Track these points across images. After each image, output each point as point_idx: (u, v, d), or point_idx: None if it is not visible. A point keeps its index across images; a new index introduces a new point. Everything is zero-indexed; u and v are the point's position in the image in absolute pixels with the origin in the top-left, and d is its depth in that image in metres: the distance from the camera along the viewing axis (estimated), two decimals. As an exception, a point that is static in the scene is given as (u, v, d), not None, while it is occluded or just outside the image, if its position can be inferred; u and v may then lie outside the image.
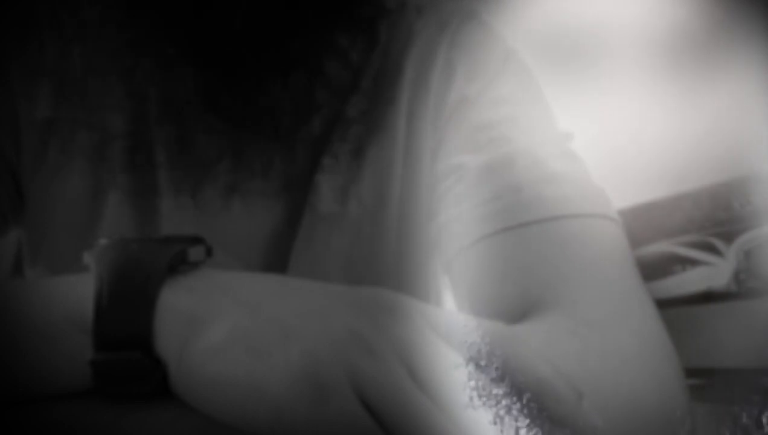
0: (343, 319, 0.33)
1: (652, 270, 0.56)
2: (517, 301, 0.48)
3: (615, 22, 0.68)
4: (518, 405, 0.32)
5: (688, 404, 0.44)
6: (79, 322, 0.34)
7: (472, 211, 0.52)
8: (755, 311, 0.53)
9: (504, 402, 0.31)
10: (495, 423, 0.31)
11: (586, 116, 0.65)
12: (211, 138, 0.53)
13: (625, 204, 0.58)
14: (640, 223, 0.59)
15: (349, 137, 0.56)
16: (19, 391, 0.35)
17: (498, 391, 0.32)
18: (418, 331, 0.33)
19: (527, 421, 0.31)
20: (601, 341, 0.43)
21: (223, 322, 0.33)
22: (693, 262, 0.57)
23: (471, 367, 0.32)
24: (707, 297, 0.56)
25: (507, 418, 0.31)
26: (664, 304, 0.49)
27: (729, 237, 0.55)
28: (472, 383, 0.32)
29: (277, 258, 0.56)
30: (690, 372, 0.46)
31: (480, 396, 0.31)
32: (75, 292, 0.35)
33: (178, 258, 0.36)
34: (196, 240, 0.37)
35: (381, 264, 0.57)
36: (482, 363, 0.33)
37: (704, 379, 0.53)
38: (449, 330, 0.34)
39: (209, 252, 0.38)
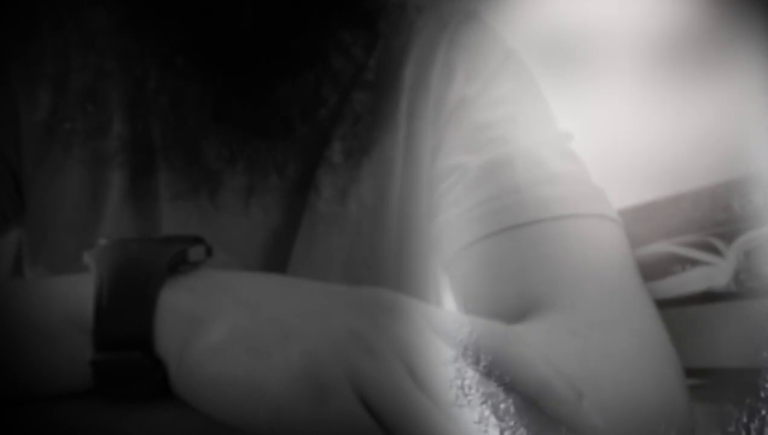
0: (343, 319, 0.33)
1: (652, 270, 0.56)
2: (516, 301, 0.48)
3: (613, 21, 0.68)
4: (504, 405, 0.31)
5: (689, 404, 0.44)
6: (79, 322, 0.34)
7: (472, 211, 0.52)
8: (755, 311, 0.53)
9: (490, 401, 0.31)
10: (479, 422, 0.31)
11: (585, 116, 0.65)
12: (217, 141, 0.53)
13: (625, 204, 0.58)
14: (640, 223, 0.59)
15: (349, 139, 0.56)
16: (19, 391, 0.35)
17: (485, 389, 0.32)
18: (418, 331, 0.33)
19: (513, 422, 0.31)
20: (602, 341, 0.43)
21: (223, 322, 0.33)
22: (693, 262, 0.57)
23: (460, 365, 0.32)
24: (707, 297, 0.56)
25: (492, 418, 0.31)
26: (664, 304, 0.49)
27: (729, 237, 0.55)
28: (458, 382, 0.32)
29: (277, 258, 0.56)
30: (690, 372, 0.46)
31: (466, 394, 0.31)
32: (75, 292, 0.35)
33: (178, 258, 0.36)
34: (196, 240, 0.37)
35: (381, 264, 0.57)
36: (470, 360, 0.33)
37: (704, 379, 0.53)
38: (449, 330, 0.34)
39: (209, 252, 0.38)
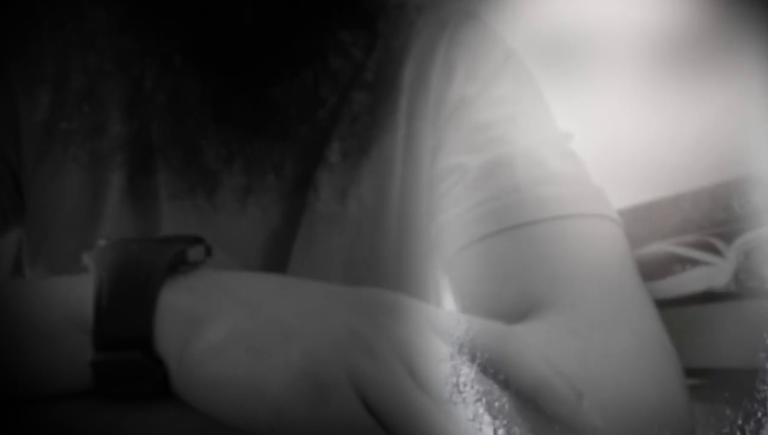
0: (343, 319, 0.33)
1: (652, 270, 0.56)
2: (516, 302, 0.48)
3: (613, 22, 0.68)
4: (498, 403, 0.31)
5: (688, 404, 0.44)
6: (79, 323, 0.34)
7: (472, 211, 0.52)
8: (755, 311, 0.53)
9: (485, 399, 0.31)
10: (473, 420, 0.31)
11: (585, 116, 0.65)
12: (216, 141, 0.53)
13: (625, 204, 0.58)
14: (640, 223, 0.59)
15: (348, 138, 0.56)
16: (19, 391, 0.35)
17: (480, 387, 0.32)
18: (418, 330, 0.33)
19: (507, 420, 0.31)
20: (601, 341, 0.43)
21: (223, 322, 0.33)
22: (693, 262, 0.57)
23: (456, 362, 0.32)
24: (707, 297, 0.56)
25: (486, 416, 0.31)
26: (664, 304, 0.49)
27: (729, 237, 0.55)
28: (454, 379, 0.32)
29: (277, 258, 0.56)
30: (690, 372, 0.46)
31: (461, 392, 0.31)
32: (75, 293, 0.35)
33: (177, 258, 0.36)
34: (196, 240, 0.37)
35: (381, 264, 0.57)
36: (467, 358, 0.33)
37: (704, 379, 0.53)
38: (448, 329, 0.34)
39: (209, 252, 0.38)
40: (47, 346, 0.35)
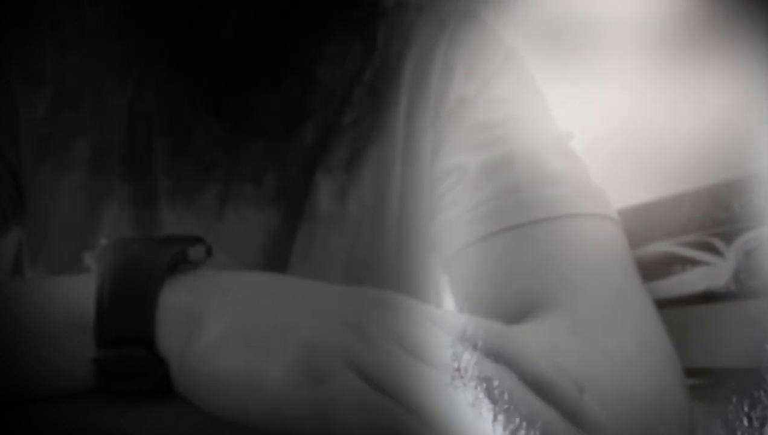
0: (339, 313, 0.33)
1: (652, 270, 0.56)
2: (516, 302, 0.48)
3: (615, 17, 0.68)
4: (498, 389, 0.31)
5: (688, 404, 0.44)
6: (80, 322, 0.34)
7: (472, 211, 0.52)
8: (755, 311, 0.53)
9: (485, 384, 0.31)
10: (473, 405, 0.31)
11: (585, 112, 0.65)
12: (204, 147, 0.53)
13: (625, 204, 0.58)
14: (640, 223, 0.59)
15: (348, 139, 0.56)
16: (19, 391, 0.35)
17: (480, 373, 0.32)
18: (416, 324, 0.33)
19: (507, 405, 0.31)
20: (601, 341, 0.43)
21: (222, 318, 0.33)
22: (693, 262, 0.57)
23: (456, 349, 0.32)
24: (707, 297, 0.56)
25: (486, 401, 0.31)
26: (664, 304, 0.49)
27: (729, 237, 0.55)
28: (454, 364, 0.32)
29: (277, 258, 0.56)
30: (690, 372, 0.46)
31: (461, 376, 0.31)
32: (75, 292, 0.35)
33: (178, 258, 0.36)
34: (196, 240, 0.38)
35: (381, 264, 0.57)
36: (467, 344, 0.33)
37: (704, 379, 0.53)
38: (448, 329, 0.34)
39: (209, 251, 0.38)
40: (47, 346, 0.35)
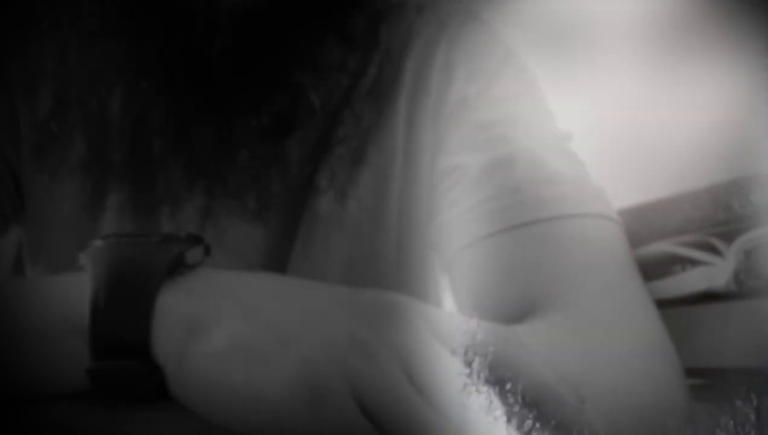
0: (342, 324, 0.33)
1: (652, 270, 0.56)
2: (517, 302, 0.48)
3: (613, 17, 0.68)
4: (512, 390, 0.31)
5: (688, 404, 0.44)
6: (78, 325, 0.34)
7: (472, 211, 0.52)
8: (755, 311, 0.53)
9: (497, 387, 0.31)
10: (488, 407, 0.31)
11: (584, 116, 0.65)
12: (177, 164, 0.53)
13: (625, 204, 0.58)
14: (640, 223, 0.59)
15: (348, 141, 0.56)
16: (19, 391, 0.35)
17: (492, 376, 0.32)
18: (419, 334, 0.33)
19: (518, 407, 0.31)
20: (602, 342, 0.43)
21: (222, 327, 0.33)
22: (693, 262, 0.57)
23: (468, 353, 0.32)
24: (707, 297, 0.56)
25: (499, 404, 0.31)
26: (664, 304, 0.49)
27: (729, 237, 0.55)
28: (467, 369, 0.32)
29: (277, 258, 0.56)
30: (690, 372, 0.46)
31: (474, 382, 0.31)
32: (75, 293, 0.35)
33: (176, 259, 0.35)
34: (195, 239, 0.37)
35: (381, 264, 0.57)
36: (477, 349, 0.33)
37: (704, 379, 0.53)
38: (450, 333, 0.34)
39: (207, 251, 0.38)
40: (47, 346, 0.35)
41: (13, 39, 0.56)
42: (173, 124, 0.52)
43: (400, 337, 0.33)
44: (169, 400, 0.34)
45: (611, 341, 0.43)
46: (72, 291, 0.35)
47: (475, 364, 0.32)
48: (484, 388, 0.31)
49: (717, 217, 0.56)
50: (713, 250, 0.56)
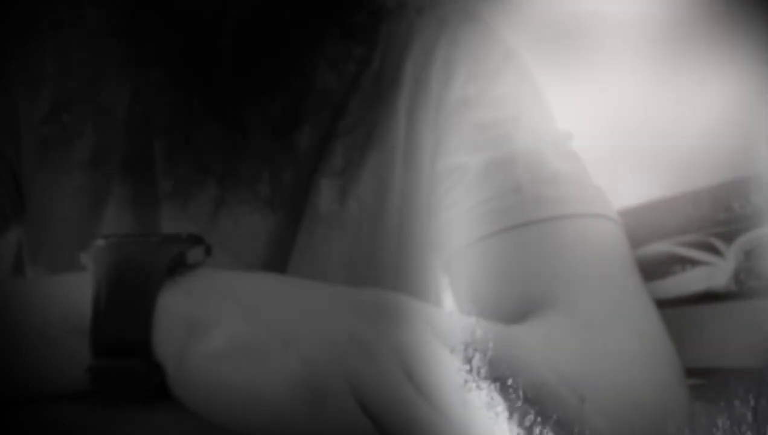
0: (342, 323, 0.33)
1: (652, 270, 0.56)
2: (517, 301, 0.48)
3: (614, 16, 0.68)
4: (513, 386, 0.32)
5: (688, 404, 0.44)
6: (79, 325, 0.34)
7: (472, 210, 0.52)
8: (755, 311, 0.53)
9: (498, 383, 0.31)
10: (489, 403, 0.31)
11: (584, 116, 0.65)
12: (202, 150, 0.53)
13: (625, 204, 0.58)
14: (640, 223, 0.59)
15: (348, 141, 0.56)
16: (19, 391, 0.35)
17: (493, 372, 0.32)
18: (419, 334, 0.33)
19: (520, 402, 0.31)
20: (602, 342, 0.43)
21: (222, 326, 0.33)
22: (693, 262, 0.57)
23: (468, 350, 0.32)
24: (707, 297, 0.56)
25: (500, 400, 0.31)
26: (664, 304, 0.49)
27: (729, 237, 0.55)
28: (467, 366, 0.32)
29: (277, 257, 0.56)
30: (690, 372, 0.46)
31: (474, 379, 0.31)
32: (75, 293, 0.35)
33: (177, 259, 0.35)
34: (196, 239, 0.37)
35: (381, 263, 0.57)
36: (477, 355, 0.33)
37: (704, 379, 0.53)
38: (450, 332, 0.34)
39: (208, 251, 0.38)
40: (47, 346, 0.35)
41: (13, 39, 0.56)
42: (182, 118, 0.52)
43: (400, 337, 0.33)
44: (169, 400, 0.34)
45: (611, 341, 0.43)
46: (72, 291, 0.35)
47: (475, 361, 0.32)
48: (485, 385, 0.31)
49: (717, 217, 0.56)
50: (713, 250, 0.56)
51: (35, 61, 0.56)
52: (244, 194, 0.54)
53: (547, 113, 0.57)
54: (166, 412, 0.34)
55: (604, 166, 0.55)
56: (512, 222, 0.50)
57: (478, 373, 0.32)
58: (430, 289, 0.60)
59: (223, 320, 0.33)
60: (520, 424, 0.31)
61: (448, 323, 0.35)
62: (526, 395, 0.32)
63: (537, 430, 0.31)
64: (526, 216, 0.50)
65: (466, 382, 0.31)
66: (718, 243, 0.56)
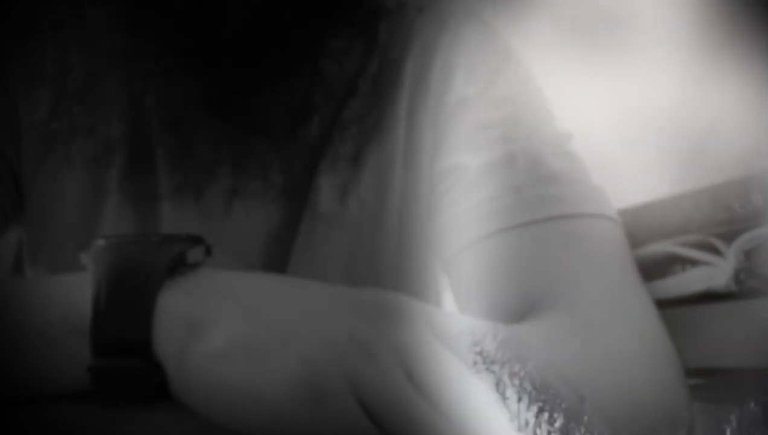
0: (342, 323, 0.33)
1: (652, 270, 0.56)
2: (517, 301, 0.48)
3: (621, 15, 0.68)
4: (522, 371, 0.32)
5: (689, 404, 0.44)
6: (79, 326, 0.34)
7: (472, 210, 0.52)
8: (755, 311, 0.53)
9: (507, 367, 0.31)
10: (497, 387, 0.31)
11: (583, 116, 0.65)
12: (210, 143, 0.53)
13: (625, 204, 0.58)
14: (640, 223, 0.59)
15: (349, 138, 0.56)
16: (19, 391, 0.35)
17: (502, 357, 0.32)
18: (419, 334, 0.33)
19: (530, 387, 0.31)
20: (602, 342, 0.43)
21: (222, 326, 0.33)
22: (693, 262, 0.57)
23: (477, 335, 0.32)
24: (707, 297, 0.56)
25: (510, 383, 0.31)
26: (664, 304, 0.49)
27: (729, 237, 0.55)
28: (477, 348, 0.32)
29: (277, 257, 0.56)
30: (690, 372, 0.46)
31: (484, 360, 0.31)
32: (75, 293, 0.35)
33: (177, 259, 0.35)
34: (196, 239, 0.37)
35: (381, 263, 0.57)
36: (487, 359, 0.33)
37: (704, 379, 0.53)
38: (450, 332, 0.34)
39: (208, 251, 0.38)
40: (47, 346, 0.35)
41: (13, 39, 0.56)
42: (189, 112, 0.52)
43: (401, 337, 0.33)
44: (169, 400, 0.34)
45: (611, 341, 0.43)
46: (72, 291, 0.35)
47: (476, 360, 0.32)
48: (485, 383, 0.31)
49: (717, 217, 0.56)
50: (713, 250, 0.56)
51: (35, 61, 0.56)
52: (255, 187, 0.54)
53: (547, 113, 0.57)
54: (166, 412, 0.34)
55: (604, 167, 0.55)
56: (512, 222, 0.50)
57: (479, 372, 0.32)
58: (430, 289, 0.60)
59: (223, 320, 0.33)
60: (529, 409, 0.31)
61: (448, 323, 0.35)
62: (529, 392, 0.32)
63: (545, 416, 0.31)
64: (526, 216, 0.50)
65: (465, 380, 0.31)
66: (718, 243, 0.55)
